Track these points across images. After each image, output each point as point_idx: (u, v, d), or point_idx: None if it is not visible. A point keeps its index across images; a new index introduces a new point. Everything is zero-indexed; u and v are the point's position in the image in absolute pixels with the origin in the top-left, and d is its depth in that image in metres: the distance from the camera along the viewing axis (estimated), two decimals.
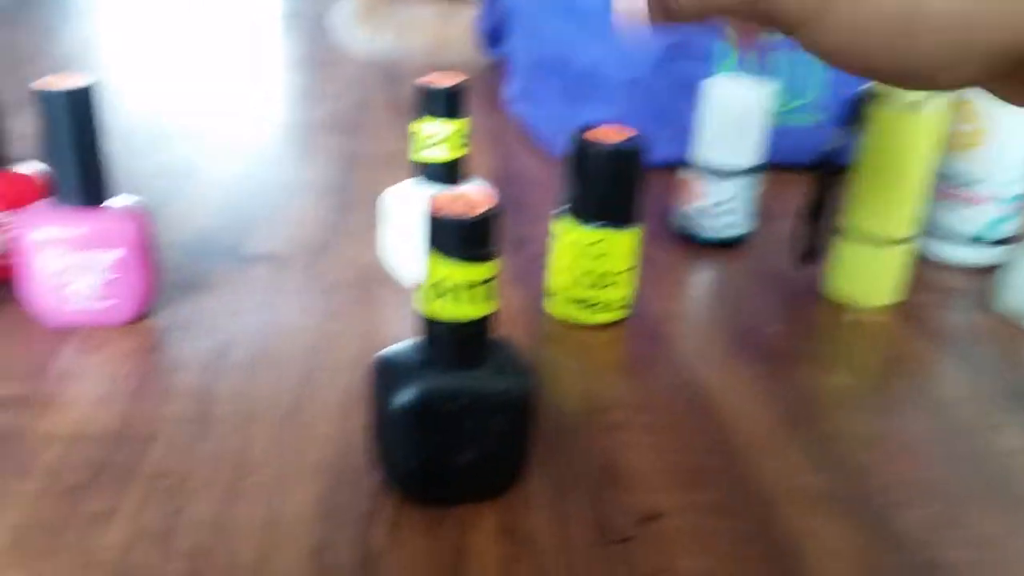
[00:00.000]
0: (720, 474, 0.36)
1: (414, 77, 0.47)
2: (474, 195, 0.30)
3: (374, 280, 0.49)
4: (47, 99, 0.38)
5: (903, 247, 0.49)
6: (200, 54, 0.98)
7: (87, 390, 0.38)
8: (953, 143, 0.53)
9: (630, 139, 0.43)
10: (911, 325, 0.49)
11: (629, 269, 0.46)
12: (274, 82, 0.91)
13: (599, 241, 0.45)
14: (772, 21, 0.30)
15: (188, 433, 0.35)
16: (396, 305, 0.47)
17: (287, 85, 0.91)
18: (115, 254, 0.41)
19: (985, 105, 0.51)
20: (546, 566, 0.31)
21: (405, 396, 0.31)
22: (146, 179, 0.61)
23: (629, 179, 0.44)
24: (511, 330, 0.46)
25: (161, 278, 0.45)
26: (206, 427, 0.36)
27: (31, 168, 0.45)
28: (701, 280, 0.54)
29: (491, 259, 0.30)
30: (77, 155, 0.39)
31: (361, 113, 0.82)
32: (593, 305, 0.46)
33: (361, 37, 1.07)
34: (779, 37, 0.35)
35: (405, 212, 0.48)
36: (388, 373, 0.32)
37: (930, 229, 0.56)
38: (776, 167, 0.60)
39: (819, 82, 0.68)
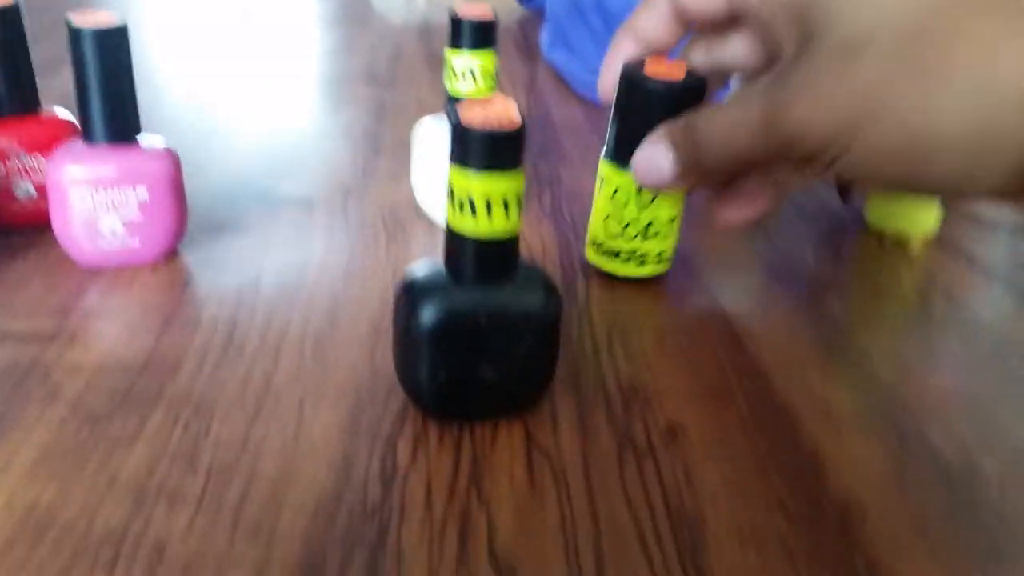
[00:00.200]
0: (747, 392, 0.35)
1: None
2: (500, 106, 0.29)
3: (405, 218, 0.49)
4: (78, 36, 0.38)
5: None
6: (235, 16, 0.98)
7: (115, 324, 0.37)
8: None
9: (692, 74, 0.38)
10: (951, 253, 0.48)
11: (675, 218, 0.42)
12: (309, 40, 0.91)
13: None
14: (801, 162, 0.30)
15: (214, 362, 0.35)
16: (427, 241, 0.46)
17: (321, 42, 0.91)
18: (145, 192, 0.41)
19: None
20: (569, 478, 0.30)
21: (428, 312, 0.30)
22: (178, 128, 0.61)
23: None
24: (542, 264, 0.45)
25: (192, 220, 0.45)
26: (232, 356, 0.36)
27: (62, 112, 0.45)
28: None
29: (517, 171, 0.29)
30: (107, 92, 0.39)
31: (395, 65, 0.81)
32: (638, 256, 0.42)
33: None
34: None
35: (436, 142, 0.47)
36: (412, 289, 0.31)
37: None
38: None
39: None
